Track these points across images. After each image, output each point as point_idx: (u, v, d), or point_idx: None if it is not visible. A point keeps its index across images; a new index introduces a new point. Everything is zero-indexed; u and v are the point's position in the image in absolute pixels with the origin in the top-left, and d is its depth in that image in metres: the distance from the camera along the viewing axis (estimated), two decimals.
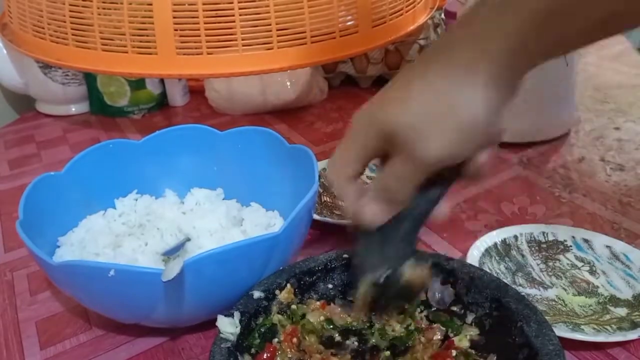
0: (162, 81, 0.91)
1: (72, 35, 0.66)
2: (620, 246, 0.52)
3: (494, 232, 0.53)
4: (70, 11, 0.65)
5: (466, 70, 0.32)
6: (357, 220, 0.37)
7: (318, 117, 0.86)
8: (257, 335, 0.39)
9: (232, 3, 0.62)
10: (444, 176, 0.36)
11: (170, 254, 0.48)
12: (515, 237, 0.53)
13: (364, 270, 0.38)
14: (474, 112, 0.32)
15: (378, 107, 0.35)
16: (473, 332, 0.39)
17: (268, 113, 0.87)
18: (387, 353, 0.39)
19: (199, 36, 0.63)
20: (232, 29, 0.63)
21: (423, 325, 0.41)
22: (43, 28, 0.68)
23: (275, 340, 0.40)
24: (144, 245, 0.50)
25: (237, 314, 0.39)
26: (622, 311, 0.46)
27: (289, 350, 0.39)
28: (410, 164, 0.34)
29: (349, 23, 0.69)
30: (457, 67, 0.32)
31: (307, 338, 0.40)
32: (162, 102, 0.92)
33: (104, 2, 0.64)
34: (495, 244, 0.52)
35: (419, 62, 0.35)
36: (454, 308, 0.41)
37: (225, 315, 0.38)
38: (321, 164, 0.66)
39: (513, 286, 0.40)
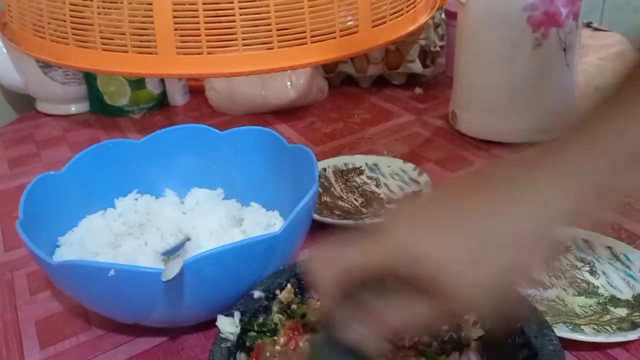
0: (162, 81, 0.91)
1: (72, 34, 0.66)
2: (620, 247, 0.52)
3: None
4: (71, 10, 0.65)
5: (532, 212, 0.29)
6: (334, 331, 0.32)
7: (318, 117, 0.86)
8: (257, 335, 0.39)
9: (232, 3, 0.62)
10: None
11: (170, 253, 0.48)
12: None
13: None
14: (521, 261, 0.30)
15: (401, 233, 0.30)
16: (476, 332, 0.39)
17: (268, 113, 0.87)
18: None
19: (199, 36, 0.62)
20: (232, 28, 0.63)
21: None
22: (43, 27, 0.68)
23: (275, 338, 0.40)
24: (143, 245, 0.50)
25: (237, 314, 0.39)
26: (622, 311, 0.46)
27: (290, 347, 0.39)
28: (433, 304, 0.29)
29: (349, 23, 0.69)
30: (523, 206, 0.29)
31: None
32: (162, 102, 0.92)
33: (104, 2, 0.64)
34: None
35: (473, 183, 0.32)
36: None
37: (226, 315, 0.38)
38: (321, 164, 0.66)
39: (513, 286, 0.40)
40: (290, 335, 0.40)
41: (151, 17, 0.62)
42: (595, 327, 0.44)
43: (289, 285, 0.42)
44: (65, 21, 0.65)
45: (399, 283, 0.30)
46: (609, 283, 0.49)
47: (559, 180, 0.30)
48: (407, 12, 0.76)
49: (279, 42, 0.64)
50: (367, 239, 0.31)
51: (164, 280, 0.37)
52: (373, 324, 0.31)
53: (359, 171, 0.68)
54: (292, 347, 0.39)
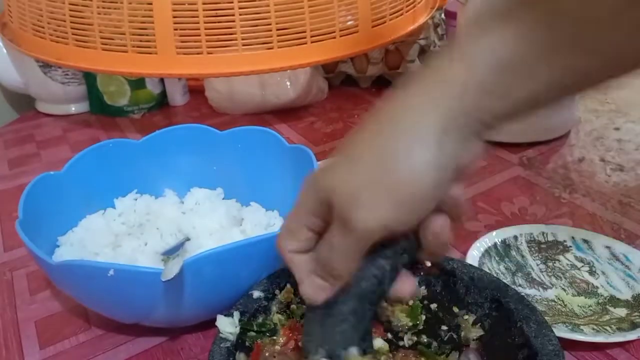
0: (162, 81, 0.91)
1: (72, 34, 0.66)
2: (619, 247, 0.52)
3: (494, 233, 0.53)
4: (70, 10, 0.65)
5: (408, 132, 0.29)
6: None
7: (318, 117, 0.86)
8: (256, 335, 0.39)
9: (232, 3, 0.62)
10: (397, 246, 0.32)
11: (169, 253, 0.48)
12: (515, 237, 0.53)
13: (306, 351, 0.34)
14: (415, 177, 0.29)
15: (321, 172, 0.32)
16: (476, 332, 0.39)
17: (268, 113, 0.87)
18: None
19: (199, 36, 0.62)
20: (232, 28, 0.63)
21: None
22: (43, 27, 0.68)
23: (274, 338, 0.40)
24: (143, 245, 0.50)
25: (236, 314, 0.39)
26: (621, 312, 0.46)
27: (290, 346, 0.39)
28: (347, 234, 0.30)
29: (349, 23, 0.69)
30: (399, 130, 0.30)
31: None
32: (162, 102, 0.92)
33: (104, 2, 0.64)
34: (495, 244, 0.52)
35: (369, 123, 0.32)
36: (454, 309, 0.41)
37: (225, 315, 0.38)
38: (321, 164, 0.66)
39: (513, 286, 0.40)
40: (290, 335, 0.40)
41: (151, 17, 0.62)
42: (595, 327, 0.44)
43: (288, 285, 0.42)
44: (65, 21, 0.65)
45: (331, 223, 0.31)
46: (608, 283, 0.49)
47: (445, 76, 0.29)
48: (406, 12, 0.76)
49: (278, 42, 0.64)
50: (304, 200, 0.33)
51: (163, 280, 0.37)
52: (315, 258, 0.33)
53: None
54: (291, 347, 0.39)
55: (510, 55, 0.28)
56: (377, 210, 0.29)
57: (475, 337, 0.39)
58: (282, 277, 0.42)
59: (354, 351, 0.33)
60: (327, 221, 0.32)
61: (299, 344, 0.39)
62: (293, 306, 0.42)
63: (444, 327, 0.41)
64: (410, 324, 0.41)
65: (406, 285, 0.34)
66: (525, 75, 0.28)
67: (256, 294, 0.41)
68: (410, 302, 0.42)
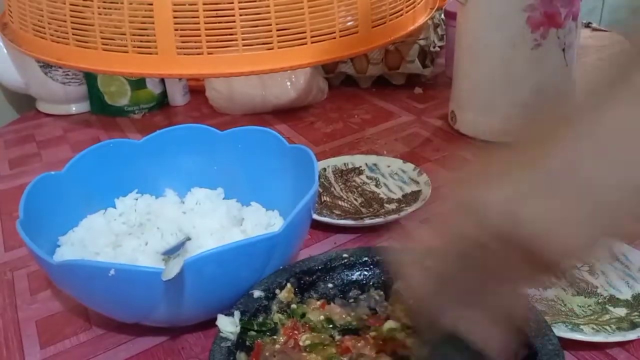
0: (162, 81, 0.91)
1: (73, 34, 0.66)
2: (619, 246, 0.52)
3: None
4: (71, 11, 0.65)
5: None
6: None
7: (318, 117, 0.86)
8: (257, 334, 0.39)
9: (232, 3, 0.62)
10: None
11: (170, 253, 0.48)
12: None
13: None
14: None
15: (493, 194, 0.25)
16: None
17: (268, 113, 0.87)
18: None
19: (200, 36, 0.63)
20: (232, 28, 0.63)
21: None
22: (43, 27, 0.68)
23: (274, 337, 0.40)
24: (144, 244, 0.50)
25: (237, 313, 0.39)
26: (621, 311, 0.46)
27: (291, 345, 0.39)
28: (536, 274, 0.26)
29: (349, 23, 0.69)
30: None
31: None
32: (162, 102, 0.92)
33: (104, 2, 0.64)
34: None
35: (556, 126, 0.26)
36: None
37: (226, 315, 0.38)
38: (321, 164, 0.67)
39: None
40: (290, 334, 0.40)
41: (151, 17, 0.62)
42: (595, 326, 0.44)
43: (288, 285, 0.42)
44: (65, 21, 0.65)
45: (494, 261, 0.25)
46: (608, 283, 0.49)
47: None
48: (406, 13, 0.76)
49: (279, 42, 0.65)
50: (444, 214, 0.27)
51: (164, 279, 0.37)
52: (490, 319, 0.27)
53: (358, 171, 0.68)
54: (291, 346, 0.39)
55: None
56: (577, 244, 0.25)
57: None
58: (283, 276, 0.42)
59: None
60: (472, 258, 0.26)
61: (299, 342, 0.39)
62: (293, 306, 0.42)
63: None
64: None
65: None
66: None
67: (256, 293, 0.41)
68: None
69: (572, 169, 0.25)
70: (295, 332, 0.40)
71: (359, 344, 0.39)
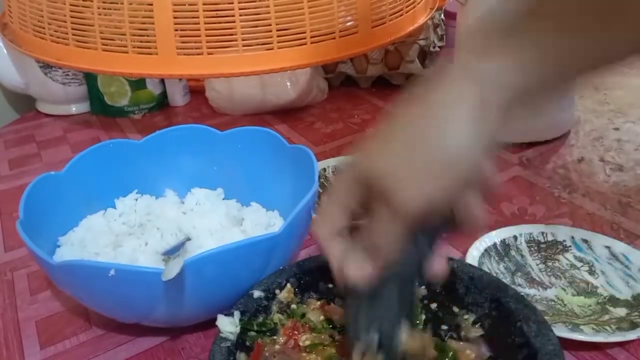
0: (162, 81, 0.91)
1: (73, 35, 0.66)
2: (619, 246, 0.52)
3: (494, 232, 0.53)
4: (71, 11, 0.65)
5: (452, 107, 0.30)
6: (344, 280, 0.34)
7: (318, 117, 0.86)
8: (257, 334, 0.39)
9: (232, 3, 0.62)
10: (435, 228, 0.33)
11: (170, 253, 0.48)
12: (515, 237, 0.53)
13: (353, 338, 0.34)
14: (460, 152, 0.30)
15: (360, 157, 0.33)
16: (476, 332, 0.39)
17: (268, 113, 0.87)
18: None
19: (199, 36, 0.63)
20: (232, 29, 0.63)
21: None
22: (43, 28, 0.68)
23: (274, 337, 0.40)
24: (144, 244, 0.50)
25: (237, 314, 0.39)
26: (621, 311, 0.46)
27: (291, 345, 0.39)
28: (391, 215, 0.31)
29: (349, 23, 0.69)
30: (435, 111, 0.30)
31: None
32: (162, 102, 0.92)
33: (104, 2, 0.64)
34: (495, 244, 0.52)
35: (403, 109, 0.32)
36: (454, 308, 0.41)
37: (226, 315, 0.38)
38: (321, 164, 0.67)
39: (512, 286, 0.40)
40: (290, 334, 0.40)
41: (151, 17, 0.62)
42: (595, 326, 0.44)
43: (288, 285, 0.42)
44: (65, 22, 0.66)
45: (375, 206, 0.31)
46: (608, 283, 0.49)
47: (487, 57, 0.30)
48: (406, 13, 0.76)
49: (278, 42, 0.65)
50: (342, 184, 0.33)
51: (164, 280, 0.37)
52: (360, 241, 0.33)
53: None
54: (291, 347, 0.39)
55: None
56: (421, 188, 0.30)
57: (475, 337, 0.39)
58: (282, 276, 0.42)
59: (405, 326, 0.34)
60: (365, 205, 0.32)
61: (299, 343, 0.39)
62: (293, 306, 0.42)
63: (444, 327, 0.41)
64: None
65: (440, 265, 0.35)
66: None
67: (256, 293, 0.41)
68: None
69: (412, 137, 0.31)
70: (295, 332, 0.40)
71: None
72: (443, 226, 0.34)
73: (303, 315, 0.41)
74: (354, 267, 0.33)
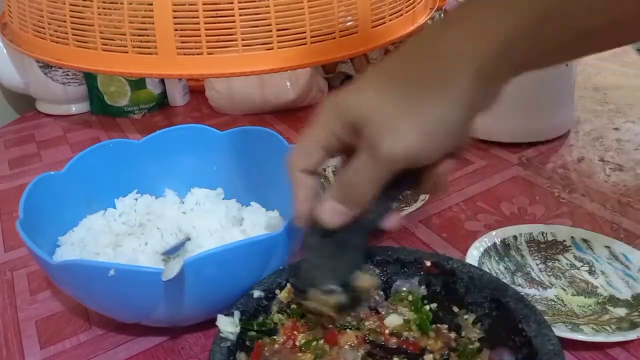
0: (162, 81, 0.91)
1: (73, 35, 0.66)
2: (619, 246, 0.52)
3: (493, 232, 0.53)
4: (71, 11, 0.65)
5: (446, 67, 0.30)
6: (311, 218, 0.34)
7: None
8: (256, 334, 0.39)
9: (232, 3, 0.62)
10: (403, 183, 0.34)
11: (170, 253, 0.48)
12: (515, 237, 0.53)
13: (312, 280, 0.35)
14: (447, 111, 0.30)
15: (348, 93, 0.32)
16: (476, 332, 0.39)
17: (268, 113, 0.87)
18: None
19: (199, 36, 0.63)
20: (232, 29, 0.63)
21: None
22: (43, 28, 0.68)
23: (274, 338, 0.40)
24: (144, 244, 0.50)
25: (237, 314, 0.39)
26: (621, 311, 0.46)
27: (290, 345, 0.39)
28: (374, 159, 0.31)
29: (348, 23, 0.69)
30: (437, 63, 0.30)
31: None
32: (162, 102, 0.92)
33: (104, 2, 0.64)
34: (495, 244, 0.52)
35: (400, 52, 0.32)
36: (454, 308, 0.41)
37: (225, 315, 0.38)
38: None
39: (512, 286, 0.40)
40: (289, 334, 0.40)
41: (151, 17, 0.62)
42: (595, 326, 0.44)
43: (288, 285, 0.42)
44: (65, 22, 0.65)
45: (358, 147, 0.31)
46: (607, 283, 0.49)
47: (480, 23, 0.30)
48: (406, 13, 0.76)
49: (278, 42, 0.65)
50: (324, 120, 0.33)
51: (164, 280, 0.37)
52: (336, 181, 0.33)
53: None
54: (289, 347, 0.39)
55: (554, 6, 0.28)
56: (407, 140, 0.30)
57: (475, 337, 0.39)
58: (282, 276, 0.42)
59: (359, 274, 0.36)
60: (345, 143, 0.32)
61: (296, 342, 0.39)
62: (293, 306, 0.42)
63: (444, 327, 0.41)
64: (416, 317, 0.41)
65: (395, 220, 0.36)
66: (568, 21, 0.28)
67: (256, 293, 0.41)
68: (410, 298, 0.42)
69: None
70: (295, 332, 0.40)
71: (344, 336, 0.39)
72: (409, 183, 0.34)
73: (303, 315, 0.41)
74: (328, 208, 0.33)
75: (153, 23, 0.62)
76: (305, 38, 0.66)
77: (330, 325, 0.39)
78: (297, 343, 0.39)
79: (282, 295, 0.41)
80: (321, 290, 0.35)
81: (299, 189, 0.35)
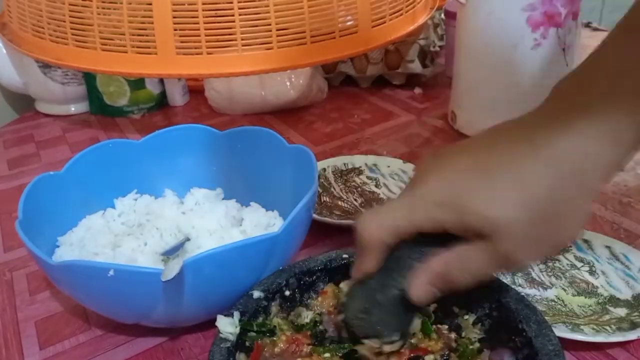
0: (161, 81, 0.91)
1: (72, 34, 0.66)
2: (619, 246, 0.52)
3: None
4: (70, 11, 0.65)
5: (584, 180, 0.29)
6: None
7: (318, 117, 0.86)
8: (256, 335, 0.39)
9: (231, 3, 0.62)
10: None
11: (169, 253, 0.48)
12: None
13: (377, 333, 0.36)
14: (571, 234, 0.32)
15: (475, 191, 0.30)
16: (476, 332, 0.39)
17: (268, 113, 0.87)
18: None
19: (199, 36, 0.62)
20: (231, 28, 0.63)
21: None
22: (43, 28, 0.68)
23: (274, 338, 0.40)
24: (143, 245, 0.50)
25: (236, 314, 0.39)
26: (621, 311, 0.46)
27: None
28: (499, 263, 0.31)
29: (348, 23, 0.69)
30: (578, 177, 0.29)
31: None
32: (161, 102, 0.92)
33: (103, 2, 0.64)
34: None
35: (522, 135, 0.31)
36: (454, 309, 0.41)
37: (225, 315, 0.38)
38: (321, 164, 0.66)
39: (513, 286, 0.40)
40: (294, 343, 0.39)
41: (151, 17, 0.62)
42: (595, 327, 0.44)
43: (326, 288, 0.42)
44: (64, 22, 0.65)
45: (467, 240, 0.31)
46: (608, 283, 0.49)
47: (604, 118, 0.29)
48: (406, 12, 0.76)
49: (278, 42, 0.64)
50: (410, 195, 0.32)
51: (163, 280, 0.37)
52: (434, 266, 0.32)
53: (358, 171, 0.68)
54: (291, 351, 0.39)
55: None
56: (536, 257, 0.33)
57: (475, 338, 0.39)
58: (282, 277, 0.42)
59: (417, 324, 0.38)
60: (436, 229, 0.31)
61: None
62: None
63: (445, 327, 0.41)
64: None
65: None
66: None
67: (256, 294, 0.41)
68: None
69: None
70: (299, 342, 0.39)
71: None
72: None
73: (300, 327, 0.41)
74: (423, 291, 0.33)
75: (152, 23, 0.62)
76: (305, 38, 0.65)
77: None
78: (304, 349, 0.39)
79: (317, 300, 0.42)
80: (381, 341, 0.36)
81: (371, 256, 0.34)
